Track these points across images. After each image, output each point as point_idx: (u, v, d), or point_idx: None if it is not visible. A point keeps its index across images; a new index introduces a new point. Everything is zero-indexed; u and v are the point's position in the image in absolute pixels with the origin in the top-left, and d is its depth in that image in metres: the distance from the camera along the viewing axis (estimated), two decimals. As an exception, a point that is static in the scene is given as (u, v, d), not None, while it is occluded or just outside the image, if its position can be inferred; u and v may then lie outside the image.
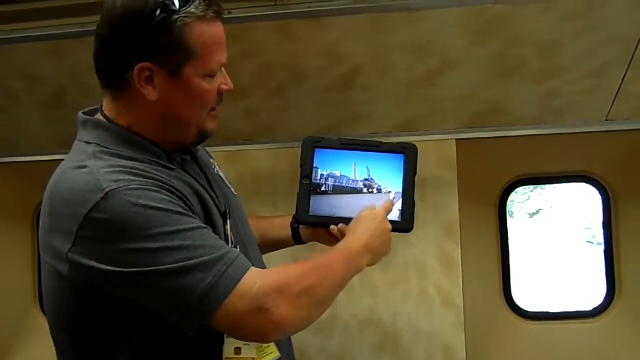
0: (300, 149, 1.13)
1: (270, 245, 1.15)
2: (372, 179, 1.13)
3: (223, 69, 0.92)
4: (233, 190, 1.08)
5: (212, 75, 0.88)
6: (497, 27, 1.39)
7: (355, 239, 0.98)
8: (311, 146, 1.11)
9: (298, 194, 1.11)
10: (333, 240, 1.09)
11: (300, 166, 1.12)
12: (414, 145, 1.14)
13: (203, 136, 0.93)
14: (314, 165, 1.12)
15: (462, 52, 1.50)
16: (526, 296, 2.70)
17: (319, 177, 1.12)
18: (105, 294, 0.79)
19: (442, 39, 1.45)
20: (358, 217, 1.04)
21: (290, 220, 1.18)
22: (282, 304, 0.79)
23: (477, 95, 1.66)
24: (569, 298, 6.71)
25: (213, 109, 0.93)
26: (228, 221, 0.93)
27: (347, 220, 1.11)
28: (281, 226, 1.16)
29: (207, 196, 0.90)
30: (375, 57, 1.50)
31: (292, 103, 1.67)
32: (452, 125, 1.73)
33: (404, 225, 1.10)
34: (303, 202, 1.11)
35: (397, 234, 1.11)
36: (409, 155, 1.12)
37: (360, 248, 0.97)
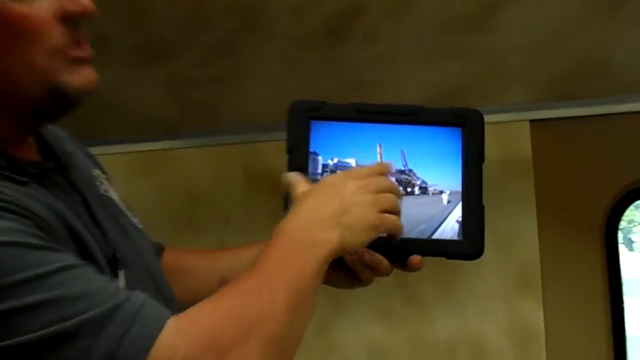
0: (286, 122, 1.14)
1: None
2: (410, 170, 1.14)
3: None
4: (134, 220, 1.12)
5: None
6: None
7: (304, 211, 0.99)
8: (305, 117, 1.12)
9: (284, 197, 1.10)
10: (344, 276, 1.11)
11: (287, 152, 1.12)
12: (477, 112, 1.16)
13: (62, 97, 0.94)
14: (311, 150, 1.13)
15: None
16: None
17: (319, 170, 1.13)
18: None
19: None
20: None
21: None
22: None
23: (562, 46, 1.71)
24: None
25: (70, 49, 0.94)
26: (121, 272, 0.97)
27: (371, 242, 1.07)
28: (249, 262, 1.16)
29: (83, 231, 0.94)
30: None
31: (246, 67, 1.75)
32: (522, 97, 1.79)
33: (468, 246, 1.10)
34: None
35: (454, 262, 1.13)
36: (470, 129, 1.14)
37: (316, 223, 0.98)
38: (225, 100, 1.78)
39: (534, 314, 1.85)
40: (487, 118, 1.69)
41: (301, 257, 0.93)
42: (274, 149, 1.50)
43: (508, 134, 1.82)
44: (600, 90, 1.78)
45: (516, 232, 1.84)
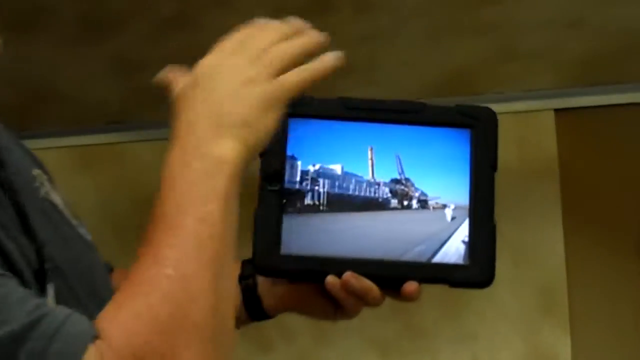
0: None
1: None
2: (407, 179, 1.15)
3: None
4: (81, 230, 1.13)
5: None
6: None
7: (182, 127, 0.92)
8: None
9: (255, 213, 1.12)
10: (325, 305, 1.14)
11: (259, 155, 1.10)
12: (489, 110, 1.17)
13: None
14: (288, 154, 1.14)
15: None
16: None
17: (297, 178, 1.14)
18: None
19: None
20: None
21: (239, 271, 1.22)
22: None
23: (595, 20, 1.70)
24: None
25: None
26: (50, 286, 0.97)
27: (359, 265, 1.10)
28: None
29: (5, 242, 0.94)
30: None
31: (210, 44, 1.52)
32: (545, 81, 1.79)
33: (476, 272, 1.12)
34: (266, 231, 1.15)
35: (458, 290, 1.14)
36: (480, 131, 1.15)
37: (216, 135, 0.92)
38: None
39: (560, 343, 1.85)
40: (504, 107, 1.79)
41: (200, 198, 0.87)
42: None
43: (529, 126, 1.82)
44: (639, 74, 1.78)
45: (538, 244, 1.84)
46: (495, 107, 1.60)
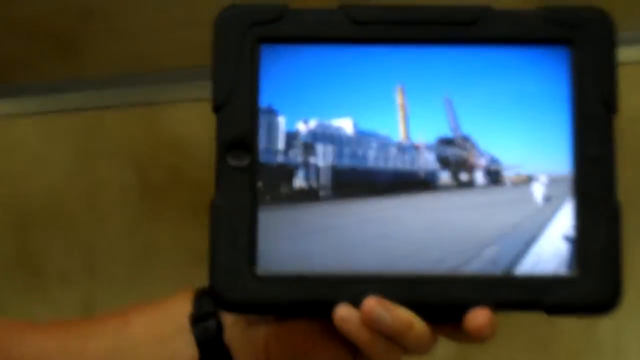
0: (212, 50, 1.03)
1: None
2: (464, 137, 1.01)
3: None
4: None
5: None
6: None
7: None
8: (248, 37, 1.02)
9: (212, 208, 1.00)
10: (344, 354, 1.01)
11: (214, 109, 1.00)
12: (601, 14, 1.03)
13: None
14: (263, 106, 1.01)
15: None
16: None
17: (280, 145, 1.01)
18: None
19: None
20: None
21: (190, 308, 1.08)
22: None
23: None
24: None
25: None
26: None
27: (388, 284, 0.97)
28: (155, 338, 1.10)
29: None
30: None
31: None
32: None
33: (589, 288, 0.97)
34: (231, 238, 1.02)
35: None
36: (586, 49, 1.02)
37: None
38: (87, 33, 1.80)
39: None
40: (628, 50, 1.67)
41: None
42: (183, 116, 1.59)
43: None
44: None
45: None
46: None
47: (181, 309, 1.06)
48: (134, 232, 1.92)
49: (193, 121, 1.41)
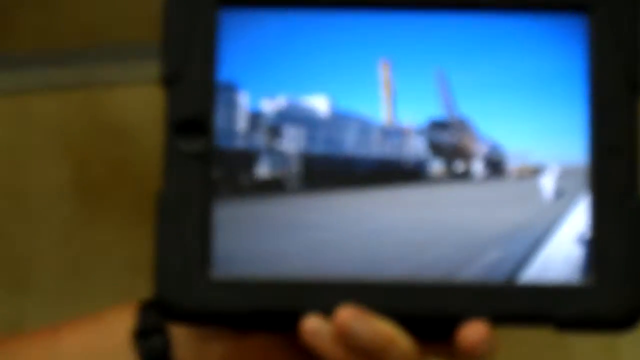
0: (162, 18, 1.01)
1: None
2: (461, 120, 0.97)
3: None
4: None
5: None
6: None
7: None
8: (204, 1, 1.00)
9: (158, 200, 0.98)
10: None
11: (165, 82, 0.97)
12: None
13: None
14: (221, 80, 0.97)
15: None
16: None
17: (241, 126, 0.98)
18: None
19: None
20: None
21: (133, 321, 1.05)
22: None
23: None
24: None
25: None
26: None
27: (367, 291, 0.94)
28: (91, 356, 1.09)
29: None
30: None
31: None
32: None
33: (607, 299, 0.94)
34: (182, 237, 1.00)
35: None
36: (606, 17, 0.98)
37: None
38: (14, 2, 1.83)
39: None
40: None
41: None
42: (127, 100, 1.61)
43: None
44: None
45: None
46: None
47: (122, 322, 1.01)
48: (69, 238, 1.82)
49: (139, 106, 1.41)
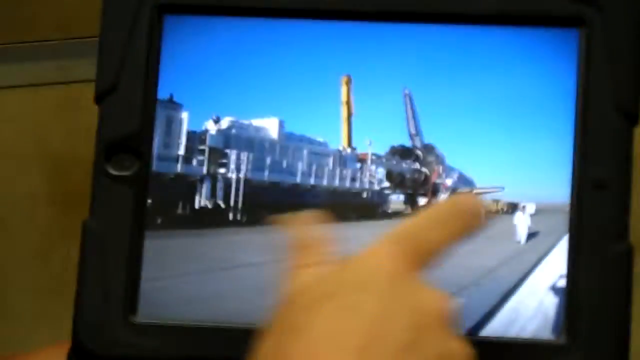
0: (100, 23, 0.93)
1: None
2: (426, 145, 0.90)
3: None
4: None
5: None
6: None
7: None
8: (146, 5, 0.94)
9: (84, 232, 0.91)
10: None
11: (96, 99, 0.91)
12: None
13: None
14: (161, 97, 0.91)
15: None
16: None
17: (181, 151, 0.90)
18: None
19: None
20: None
21: None
22: None
23: None
24: None
25: None
26: None
27: None
28: None
29: None
30: None
31: None
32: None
33: (582, 359, 0.87)
34: (105, 274, 0.94)
35: None
36: (602, 29, 0.92)
37: None
38: None
39: None
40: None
41: None
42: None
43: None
44: None
45: None
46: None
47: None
48: (45, 254, 1.77)
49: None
